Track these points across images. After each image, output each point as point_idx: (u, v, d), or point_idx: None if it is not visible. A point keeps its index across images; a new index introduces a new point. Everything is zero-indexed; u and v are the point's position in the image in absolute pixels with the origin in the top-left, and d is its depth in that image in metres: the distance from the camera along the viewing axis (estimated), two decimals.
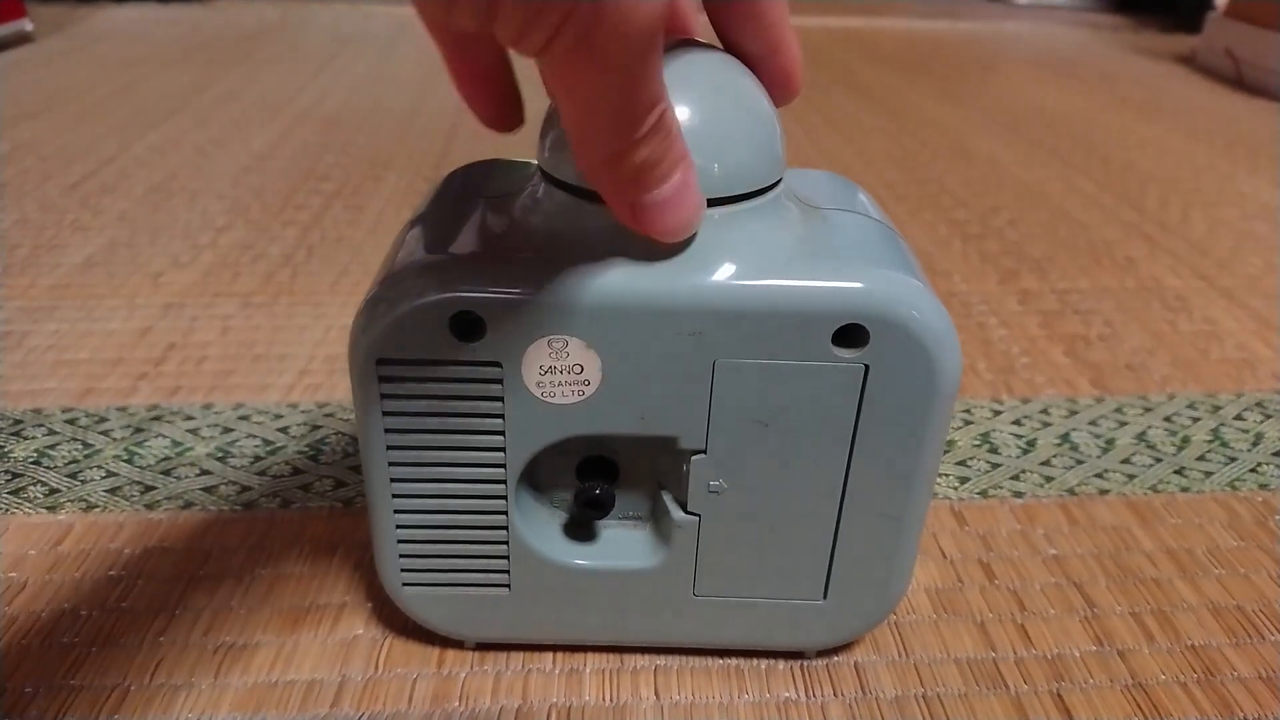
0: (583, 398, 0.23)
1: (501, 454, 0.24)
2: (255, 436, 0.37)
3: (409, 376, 0.23)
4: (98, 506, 0.33)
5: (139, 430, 0.37)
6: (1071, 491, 0.36)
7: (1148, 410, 0.41)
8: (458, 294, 0.22)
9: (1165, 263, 0.57)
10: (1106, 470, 0.37)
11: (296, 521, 0.33)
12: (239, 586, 0.30)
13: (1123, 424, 0.40)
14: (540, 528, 0.26)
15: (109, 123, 0.78)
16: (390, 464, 0.24)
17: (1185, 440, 0.39)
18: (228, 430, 0.37)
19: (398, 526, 0.25)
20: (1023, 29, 1.38)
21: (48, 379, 0.41)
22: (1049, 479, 0.36)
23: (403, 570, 0.26)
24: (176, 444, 0.36)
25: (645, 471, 0.26)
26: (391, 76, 0.98)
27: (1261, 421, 0.41)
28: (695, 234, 0.22)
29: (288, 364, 0.43)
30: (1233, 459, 0.38)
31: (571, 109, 0.19)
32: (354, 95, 0.90)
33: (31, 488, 0.34)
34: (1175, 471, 0.37)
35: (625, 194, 0.20)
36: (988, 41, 1.27)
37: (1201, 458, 0.38)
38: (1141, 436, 0.39)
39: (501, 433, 0.24)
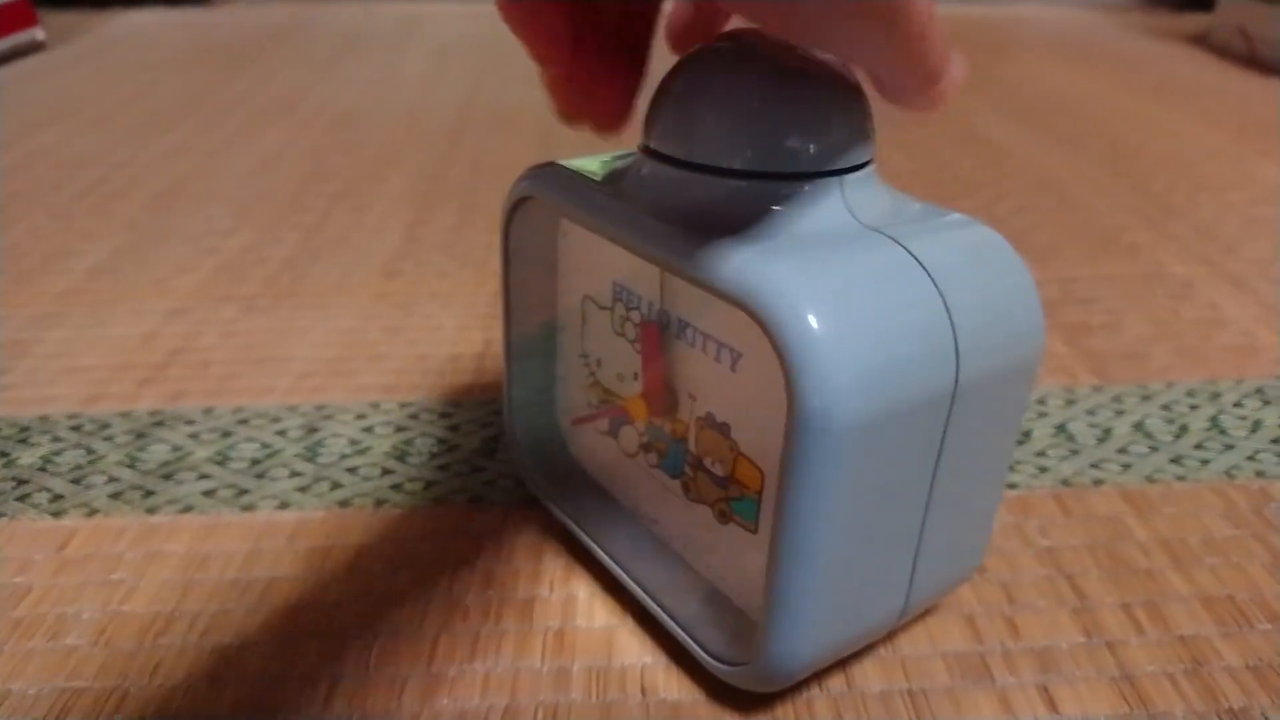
0: None
1: None
2: (254, 440, 0.38)
3: None
4: (100, 511, 0.34)
5: (141, 435, 0.38)
6: (1066, 482, 0.36)
7: (1146, 399, 0.41)
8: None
9: (1170, 249, 0.57)
10: (1102, 460, 0.37)
11: (293, 524, 0.33)
12: (235, 589, 0.30)
13: (1120, 413, 0.40)
14: None
15: (120, 129, 0.79)
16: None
17: (1183, 428, 0.39)
18: (226, 434, 0.38)
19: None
20: (1033, 12, 1.36)
21: (55, 386, 0.42)
22: (1043, 470, 0.36)
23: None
24: (176, 449, 0.37)
25: None
26: (397, 75, 0.98)
27: (1261, 408, 0.40)
28: None
29: (289, 367, 0.43)
30: (1230, 446, 0.38)
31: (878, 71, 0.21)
32: (361, 95, 0.90)
33: (37, 494, 0.35)
34: (1172, 460, 0.37)
35: (932, 92, 0.21)
36: (998, 25, 1.26)
37: (1199, 445, 0.38)
38: (1139, 425, 0.39)
39: None
